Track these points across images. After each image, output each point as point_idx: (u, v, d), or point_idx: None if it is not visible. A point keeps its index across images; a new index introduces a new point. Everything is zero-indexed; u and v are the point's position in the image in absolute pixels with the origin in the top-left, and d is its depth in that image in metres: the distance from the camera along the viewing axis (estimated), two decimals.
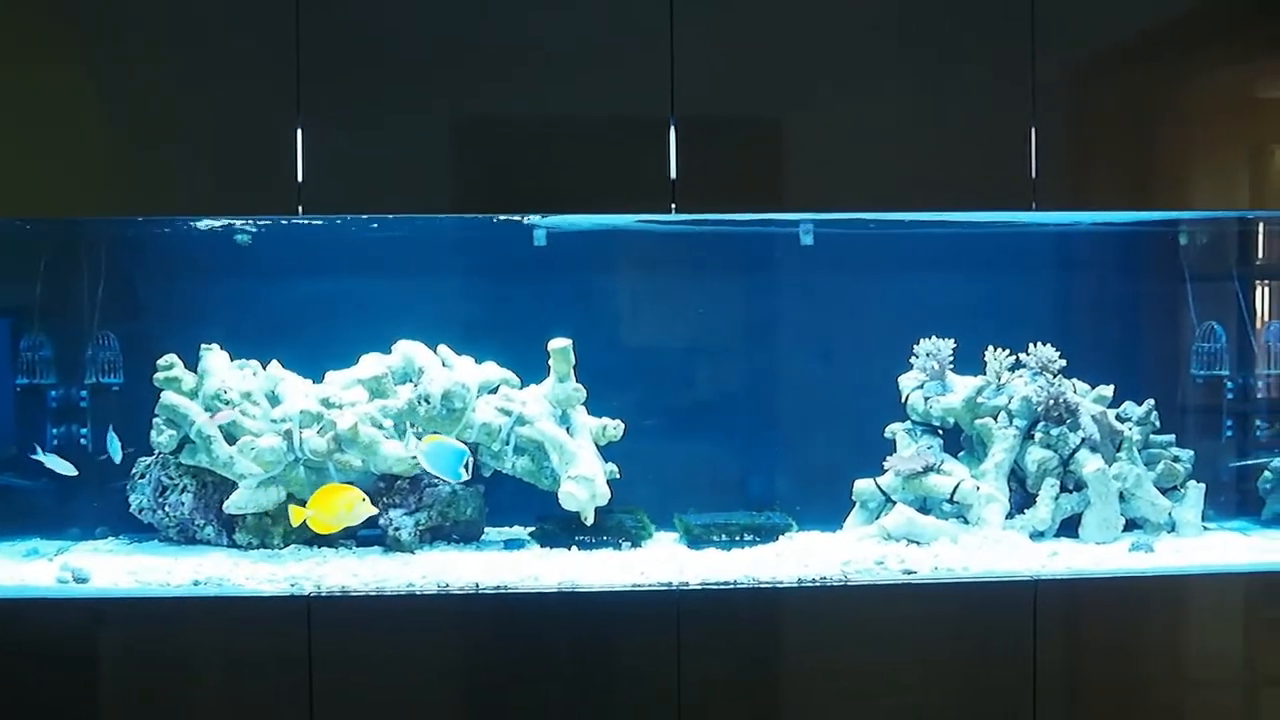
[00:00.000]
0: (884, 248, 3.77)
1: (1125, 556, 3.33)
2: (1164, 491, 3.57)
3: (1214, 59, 3.36)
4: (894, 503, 3.49)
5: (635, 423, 3.55)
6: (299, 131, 3.10)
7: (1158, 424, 3.69)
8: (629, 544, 3.43)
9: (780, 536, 3.47)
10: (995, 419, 3.59)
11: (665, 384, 3.82)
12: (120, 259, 3.67)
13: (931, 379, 3.65)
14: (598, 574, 3.13)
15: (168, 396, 3.36)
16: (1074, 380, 3.64)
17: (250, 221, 3.47)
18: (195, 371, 3.44)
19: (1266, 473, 3.76)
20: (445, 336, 3.56)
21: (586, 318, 3.74)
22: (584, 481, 3.32)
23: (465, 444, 3.42)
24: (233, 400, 3.37)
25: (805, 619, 3.08)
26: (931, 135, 3.25)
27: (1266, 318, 3.91)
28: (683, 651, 3.00)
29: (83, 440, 3.67)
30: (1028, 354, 3.63)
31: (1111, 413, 3.60)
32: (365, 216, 3.34)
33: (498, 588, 3.03)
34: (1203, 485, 3.59)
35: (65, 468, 3.42)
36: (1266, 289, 3.95)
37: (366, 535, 3.40)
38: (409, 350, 3.52)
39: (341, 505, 3.16)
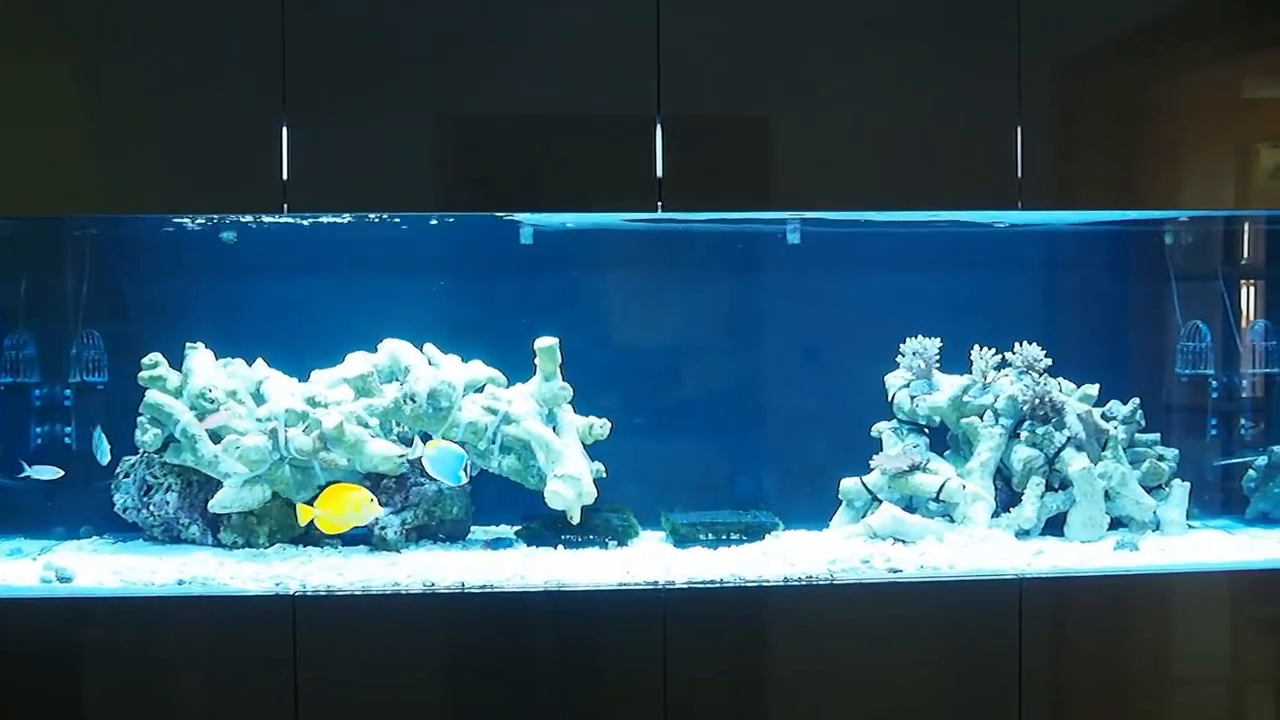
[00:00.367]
0: (870, 247, 3.78)
1: (1110, 555, 3.33)
2: (1149, 490, 3.58)
3: (1199, 58, 3.37)
4: (880, 501, 3.50)
5: (622, 421, 3.55)
6: (284, 129, 3.09)
7: (1143, 423, 3.70)
8: (615, 543, 3.43)
9: (766, 535, 3.47)
10: (981, 418, 3.60)
11: (652, 383, 3.82)
12: (104, 257, 3.65)
13: (918, 378, 3.66)
14: (584, 573, 3.12)
15: (152, 395, 3.35)
16: (1059, 379, 3.65)
17: (236, 220, 3.45)
18: (180, 370, 3.43)
19: (1251, 471, 3.78)
20: (431, 335, 3.55)
21: (573, 316, 3.73)
22: (570, 480, 3.32)
23: (452, 441, 3.43)
24: (218, 400, 3.36)
25: (791, 618, 3.08)
26: (918, 135, 3.25)
27: (1251, 317, 3.92)
28: (669, 650, 3.00)
29: (67, 439, 3.65)
30: (1014, 353, 3.64)
31: (1097, 411, 3.61)
32: (351, 215, 3.33)
33: (484, 587, 3.03)
34: (1187, 484, 3.60)
35: (51, 472, 3.41)
36: (1251, 288, 3.96)
37: (352, 534, 3.38)
38: (395, 349, 3.51)
39: (350, 505, 3.15)
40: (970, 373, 3.65)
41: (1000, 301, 3.84)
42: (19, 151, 3.11)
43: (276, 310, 3.68)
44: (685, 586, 3.05)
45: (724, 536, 3.46)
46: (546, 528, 3.43)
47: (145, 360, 3.39)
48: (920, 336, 3.66)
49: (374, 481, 3.37)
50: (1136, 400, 3.69)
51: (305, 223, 3.39)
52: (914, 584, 3.12)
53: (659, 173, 3.16)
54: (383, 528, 3.32)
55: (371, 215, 3.34)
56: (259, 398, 3.43)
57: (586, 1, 3.18)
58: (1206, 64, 3.37)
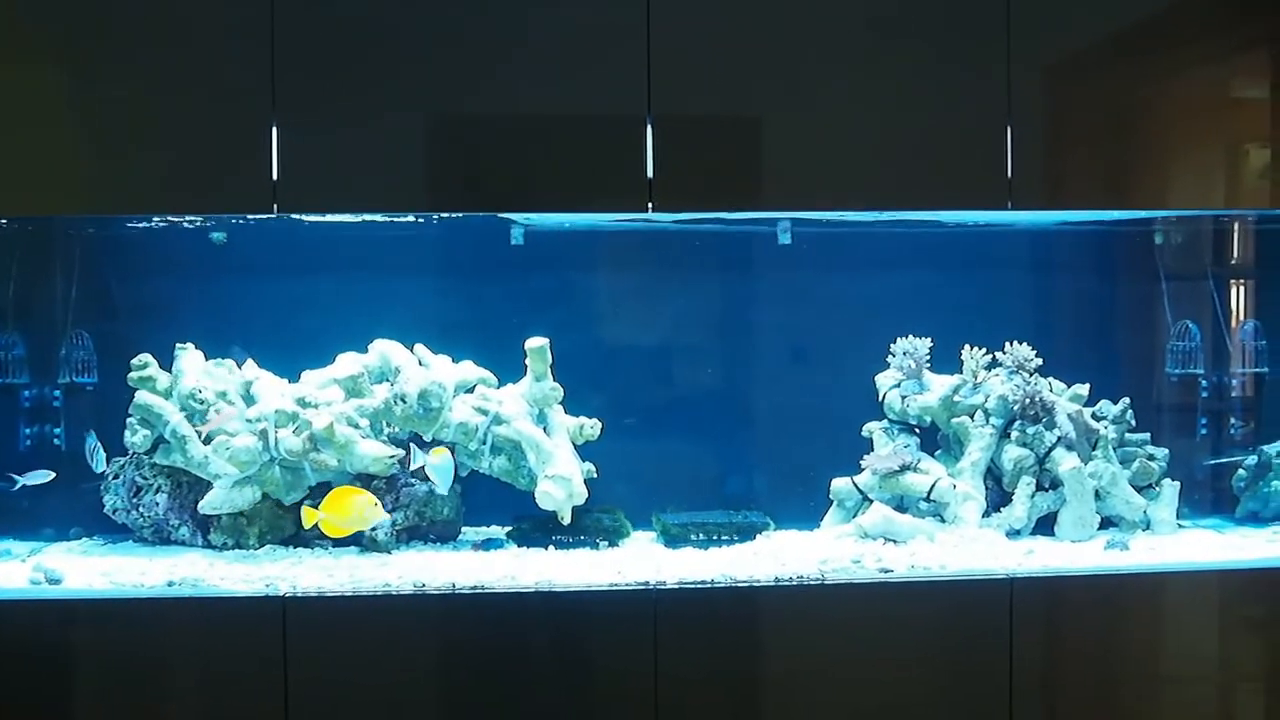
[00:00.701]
0: (861, 247, 3.78)
1: (1101, 554, 3.34)
2: (1139, 490, 3.58)
3: (1189, 59, 3.37)
4: (871, 501, 3.50)
5: (613, 422, 3.55)
6: (274, 129, 3.09)
7: (1133, 422, 3.71)
8: (606, 543, 3.43)
9: (757, 535, 3.47)
10: (972, 418, 3.60)
11: (643, 383, 3.81)
12: (94, 257, 3.64)
13: (908, 378, 3.66)
14: (575, 574, 3.12)
15: (142, 396, 3.34)
16: (1050, 379, 3.65)
17: (226, 220, 3.44)
18: (170, 371, 3.42)
19: (1240, 470, 3.79)
20: (422, 335, 3.55)
21: (564, 317, 3.73)
22: (561, 481, 3.31)
23: (443, 443, 3.43)
24: (208, 400, 3.36)
25: (782, 618, 3.08)
26: (908, 135, 3.26)
27: (1241, 316, 3.93)
28: (660, 651, 3.00)
29: (56, 440, 3.64)
30: (1004, 353, 3.64)
31: (1087, 411, 3.61)
32: (342, 215, 3.33)
33: (475, 588, 3.03)
34: (1177, 483, 3.61)
35: (43, 476, 3.40)
36: (1241, 288, 3.97)
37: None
38: (385, 349, 3.51)
39: (355, 509, 3.14)
40: (961, 372, 3.65)
41: (991, 301, 3.84)
42: (8, 153, 3.09)
43: (267, 311, 3.67)
44: (676, 587, 3.05)
45: (715, 537, 3.46)
46: (537, 528, 3.42)
47: (135, 361, 3.39)
48: (911, 336, 3.66)
49: (364, 482, 3.36)
50: (1127, 400, 3.70)
51: (306, 220, 3.38)
52: (905, 584, 3.13)
53: (650, 173, 3.16)
54: (373, 529, 3.31)
55: (360, 215, 3.34)
56: (249, 398, 3.42)
57: (577, 1, 3.17)
58: (1195, 64, 3.38)
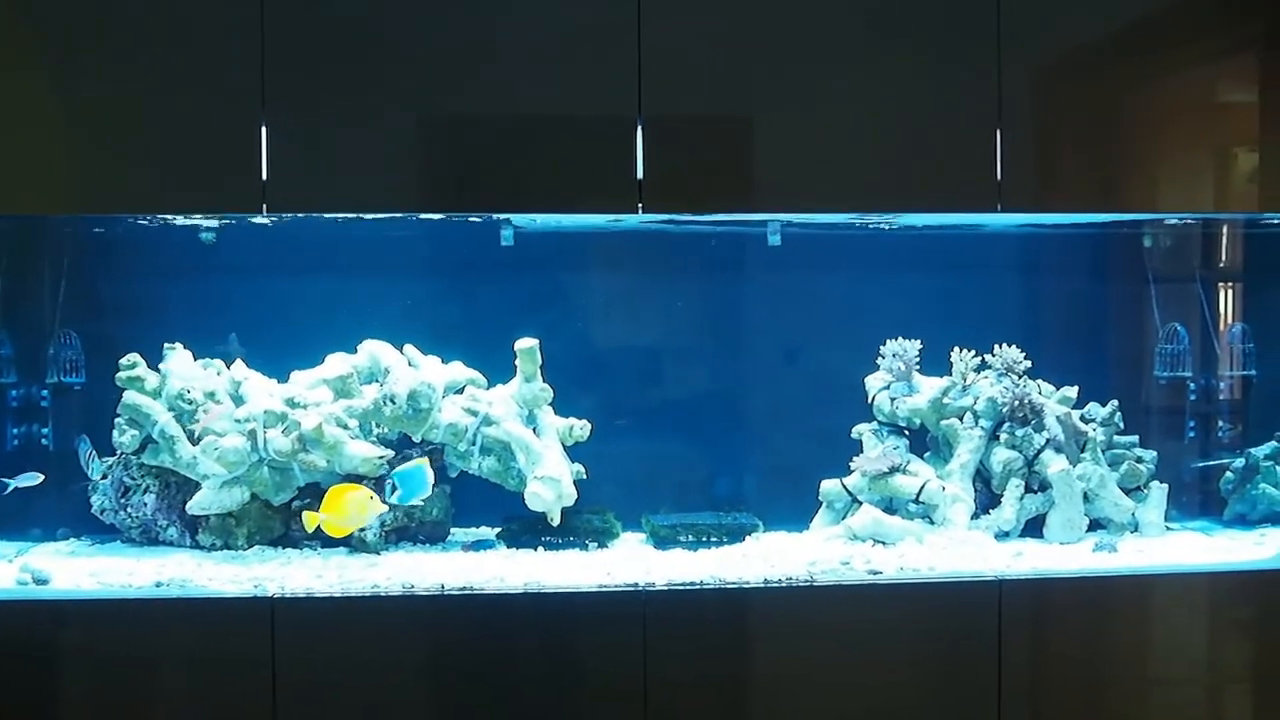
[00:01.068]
0: (851, 249, 3.79)
1: (1089, 556, 3.35)
2: (1127, 492, 3.59)
3: (1178, 62, 3.38)
4: (860, 503, 3.50)
5: (602, 423, 3.55)
6: (263, 129, 3.08)
7: (1121, 425, 3.71)
8: (596, 544, 3.43)
9: (747, 537, 3.47)
10: (961, 420, 3.61)
11: (632, 384, 3.81)
12: (82, 256, 3.63)
13: (898, 380, 3.66)
14: (564, 575, 3.12)
15: (130, 396, 3.34)
16: (1039, 381, 3.66)
17: (215, 220, 3.43)
18: (158, 371, 3.41)
19: (1228, 473, 3.80)
20: (412, 336, 3.54)
21: (553, 318, 3.73)
22: (550, 482, 3.31)
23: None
24: (196, 400, 3.35)
25: (771, 619, 3.08)
26: (898, 137, 3.26)
27: (1229, 319, 3.94)
28: (649, 652, 3.00)
29: (44, 440, 3.63)
30: (993, 355, 3.65)
31: (1076, 414, 3.62)
32: (331, 215, 3.32)
33: (463, 589, 3.02)
34: (1166, 486, 3.62)
35: (32, 479, 3.38)
36: (1229, 291, 3.98)
37: (332, 536, 3.37)
38: (375, 350, 3.50)
39: (353, 506, 3.13)
40: (950, 375, 3.66)
41: (980, 304, 3.85)
42: None
43: (256, 310, 3.66)
44: (665, 588, 3.05)
45: (704, 538, 3.46)
46: (527, 529, 3.42)
47: (123, 361, 3.38)
48: (900, 338, 3.66)
49: (353, 483, 3.35)
50: (1115, 402, 3.71)
51: (285, 222, 3.37)
52: (894, 585, 3.13)
53: (640, 174, 3.16)
54: (362, 530, 3.30)
55: (353, 215, 3.33)
56: (238, 399, 3.42)
57: (568, 1, 3.17)
58: (1184, 68, 3.39)
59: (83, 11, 3.07)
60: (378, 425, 3.43)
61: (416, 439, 3.42)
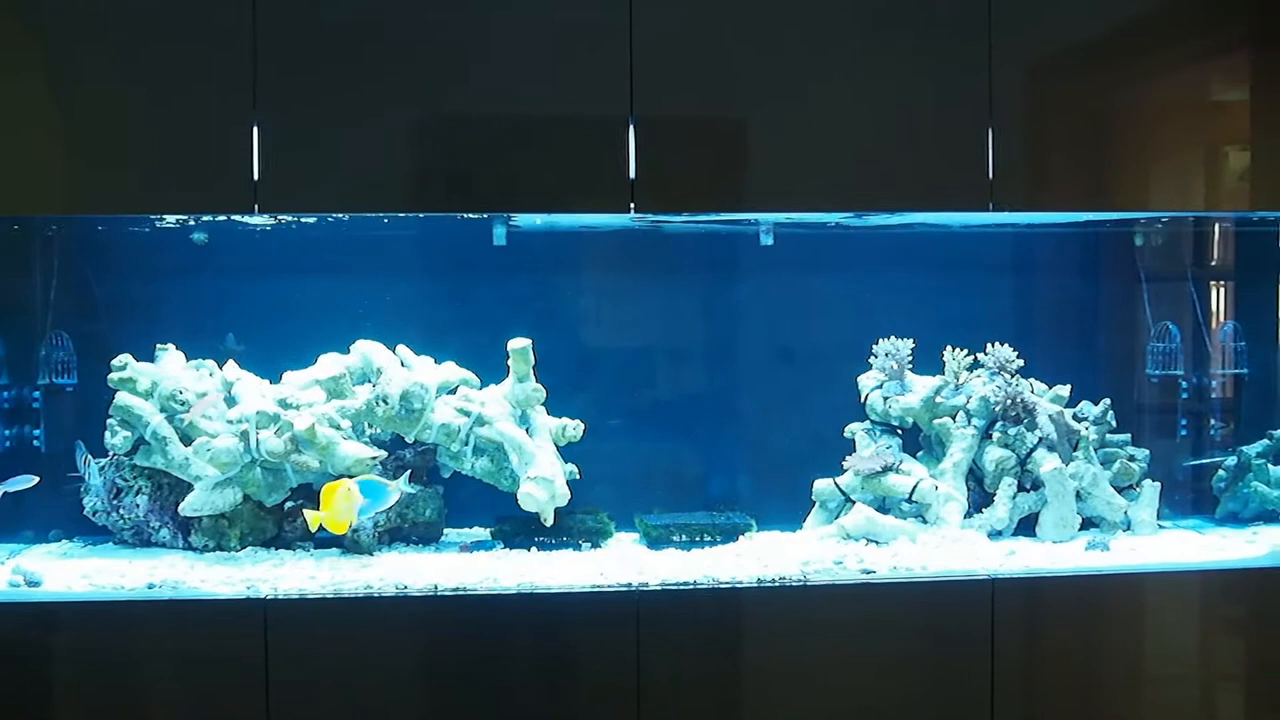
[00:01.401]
0: (843, 248, 3.79)
1: (1082, 555, 3.35)
2: (1120, 490, 3.60)
3: (1169, 61, 3.39)
4: (853, 502, 3.50)
5: (595, 423, 3.55)
6: (255, 129, 3.07)
7: (1114, 423, 3.72)
8: (589, 545, 3.43)
9: (740, 536, 3.47)
10: (954, 419, 3.61)
11: (625, 384, 3.81)
12: (74, 257, 3.62)
13: (890, 379, 3.67)
14: (558, 575, 3.12)
15: (122, 397, 3.33)
16: (1031, 380, 3.66)
17: (207, 220, 3.43)
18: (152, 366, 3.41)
19: (1220, 471, 3.81)
20: (404, 336, 3.54)
21: (546, 318, 3.73)
22: (543, 482, 3.31)
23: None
24: (189, 402, 3.34)
25: (764, 619, 3.08)
26: (890, 137, 3.26)
27: (1221, 318, 3.95)
28: (642, 652, 3.00)
29: (35, 442, 3.62)
30: (986, 354, 3.65)
31: (1068, 412, 3.63)
32: (323, 215, 3.32)
33: (457, 589, 3.02)
34: (1158, 484, 3.63)
35: (25, 481, 3.37)
36: (1221, 289, 3.99)
37: (325, 537, 3.37)
38: (367, 350, 3.50)
39: (344, 500, 3.11)
40: (943, 374, 3.66)
41: (972, 303, 3.85)
42: None
43: (248, 311, 3.66)
44: (659, 588, 3.05)
45: (698, 538, 3.46)
46: (520, 530, 3.42)
47: (115, 362, 3.37)
48: (893, 338, 3.67)
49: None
50: (1107, 401, 3.71)
51: (277, 222, 3.37)
52: (887, 585, 3.13)
53: (632, 174, 3.15)
54: (355, 530, 3.30)
55: (345, 215, 3.33)
56: (230, 400, 3.41)
57: (560, 1, 3.17)
58: (1176, 67, 3.39)
59: (75, 11, 3.06)
60: (370, 426, 3.42)
61: (409, 439, 3.41)
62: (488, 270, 3.71)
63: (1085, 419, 3.67)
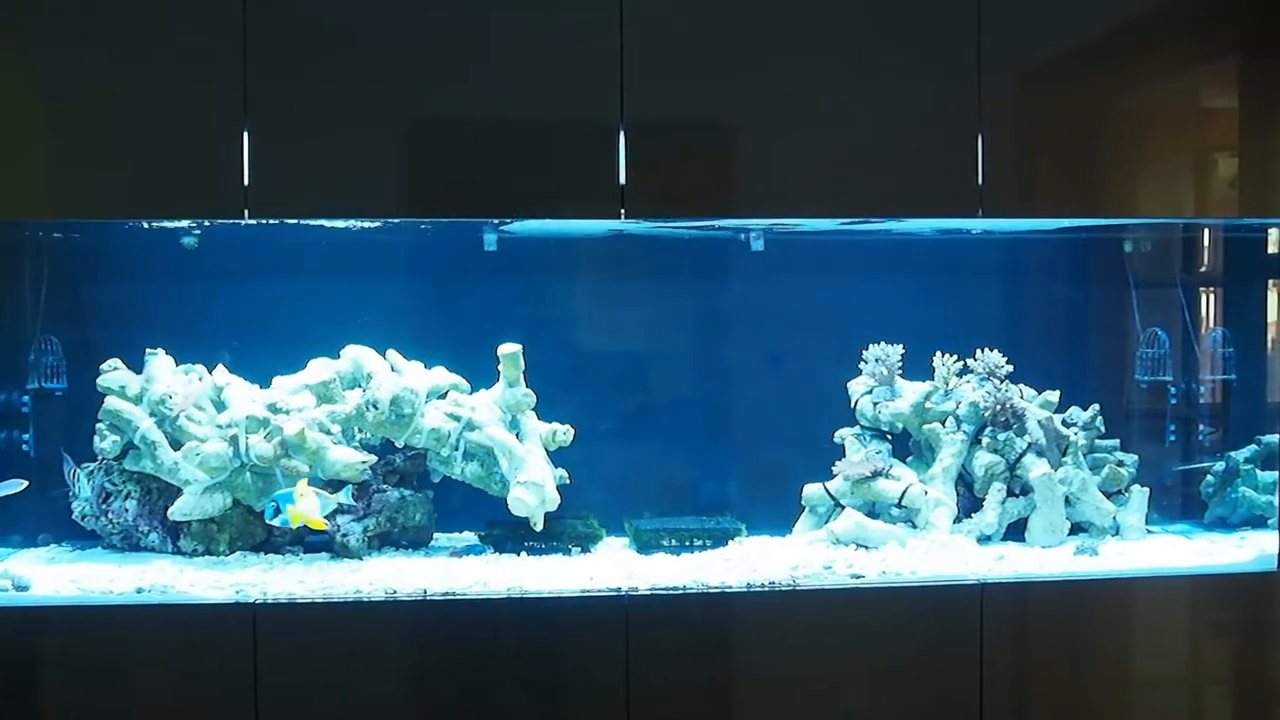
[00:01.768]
0: (833, 254, 3.79)
1: (1070, 560, 3.36)
2: (1109, 495, 3.61)
3: (1158, 68, 3.39)
4: (843, 507, 3.51)
5: (586, 428, 3.55)
6: (245, 133, 3.07)
7: (1103, 429, 3.73)
8: (579, 549, 3.42)
9: (730, 541, 3.47)
10: (943, 424, 3.62)
11: (616, 389, 3.82)
12: (63, 262, 3.62)
13: (880, 384, 3.67)
14: (547, 580, 3.12)
15: (111, 402, 3.32)
16: (1020, 385, 3.67)
17: (196, 225, 3.43)
18: (140, 376, 3.40)
19: (1209, 476, 3.82)
20: (395, 341, 3.54)
21: (536, 323, 3.73)
22: (533, 487, 3.31)
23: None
24: (173, 408, 3.34)
25: (754, 624, 3.08)
26: (880, 142, 3.26)
27: (1209, 324, 3.96)
28: (631, 657, 3.00)
29: (24, 446, 3.61)
30: (975, 360, 3.66)
31: (1057, 418, 3.63)
32: (313, 221, 3.31)
33: (446, 594, 3.02)
34: (1147, 489, 3.63)
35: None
36: (1210, 296, 4.00)
37: (314, 541, 3.37)
38: (358, 355, 3.49)
39: (300, 493, 3.12)
40: (932, 379, 3.67)
41: (962, 308, 3.86)
42: None
43: (238, 316, 3.65)
44: (648, 593, 3.05)
45: (687, 543, 3.46)
46: (509, 534, 3.42)
47: (104, 366, 3.37)
48: (883, 343, 3.67)
49: (335, 488, 3.35)
50: (1096, 406, 3.72)
51: (267, 227, 3.36)
52: (876, 589, 3.13)
53: (622, 179, 3.16)
54: (345, 535, 3.30)
55: (335, 221, 3.33)
56: (220, 404, 3.41)
57: (551, 7, 3.17)
58: (1165, 73, 3.40)
59: (63, 15, 3.05)
60: (360, 430, 3.42)
61: (399, 444, 3.41)
62: (478, 275, 3.71)
63: (1074, 424, 3.68)
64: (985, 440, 3.57)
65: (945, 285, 3.86)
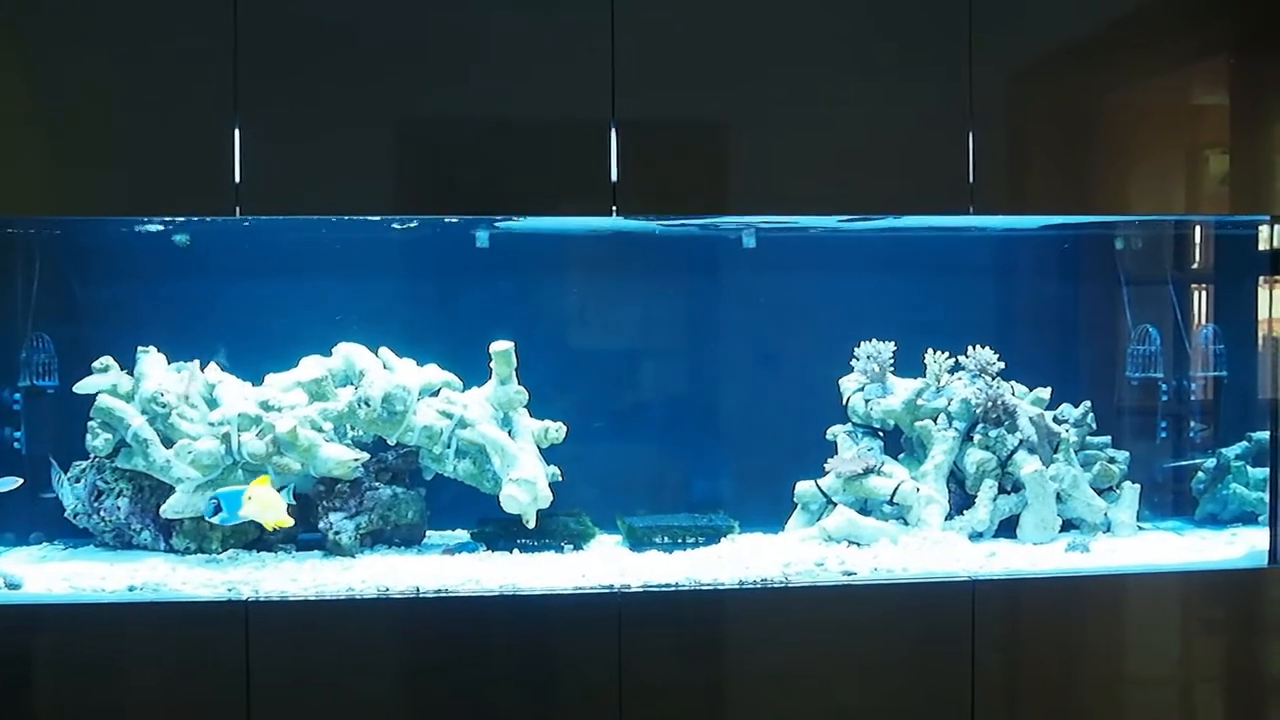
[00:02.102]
0: (825, 251, 3.80)
1: (1062, 556, 3.36)
2: (1100, 492, 3.61)
3: (1149, 65, 3.40)
4: (835, 504, 3.51)
5: (578, 425, 3.55)
6: (237, 131, 3.07)
7: (1094, 426, 3.74)
8: (571, 546, 3.43)
9: (722, 538, 3.48)
10: (935, 421, 3.63)
11: (608, 387, 3.82)
12: (55, 260, 3.61)
13: (872, 381, 3.68)
14: (539, 577, 3.12)
15: (103, 399, 3.32)
16: (1012, 382, 3.68)
17: (189, 222, 3.42)
18: (131, 374, 3.40)
19: (1200, 473, 3.82)
20: (387, 339, 3.54)
21: (529, 320, 3.73)
22: (526, 484, 3.31)
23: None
24: (169, 404, 3.33)
25: (746, 621, 3.09)
26: (871, 140, 3.27)
27: (1200, 321, 3.96)
28: (624, 654, 3.00)
29: (16, 444, 3.60)
30: (967, 357, 3.66)
31: (1049, 414, 3.64)
32: (305, 218, 3.31)
33: (439, 591, 3.02)
34: (1138, 486, 3.64)
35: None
36: (1201, 292, 4.01)
37: (307, 539, 3.38)
38: (350, 353, 3.49)
39: (255, 491, 3.12)
40: (924, 376, 3.67)
41: (953, 306, 3.87)
42: None
43: (230, 313, 3.65)
44: (641, 590, 3.06)
45: (680, 540, 3.46)
46: (502, 532, 3.42)
47: (96, 364, 3.37)
48: (874, 340, 3.68)
49: (328, 486, 3.35)
50: (1088, 403, 3.73)
51: (259, 224, 3.36)
52: (868, 586, 3.14)
53: (614, 176, 3.16)
54: (337, 533, 3.30)
55: (328, 217, 3.33)
56: (212, 402, 3.40)
57: (543, 5, 3.17)
58: (1156, 70, 3.41)
59: (56, 14, 3.05)
60: (353, 428, 3.42)
61: (391, 442, 3.41)
62: (470, 273, 3.71)
63: (1066, 421, 3.69)
64: (977, 437, 3.58)
65: (937, 283, 3.86)
